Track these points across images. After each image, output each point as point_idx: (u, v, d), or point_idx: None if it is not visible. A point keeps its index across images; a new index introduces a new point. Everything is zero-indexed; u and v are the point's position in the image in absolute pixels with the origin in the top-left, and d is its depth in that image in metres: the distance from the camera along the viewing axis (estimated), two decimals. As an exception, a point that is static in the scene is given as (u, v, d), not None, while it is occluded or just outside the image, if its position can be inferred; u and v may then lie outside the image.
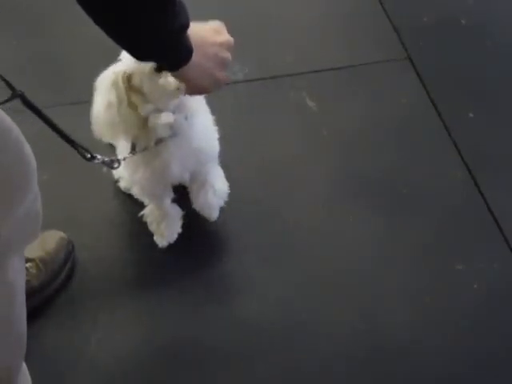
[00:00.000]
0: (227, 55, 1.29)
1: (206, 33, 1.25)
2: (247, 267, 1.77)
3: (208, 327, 1.65)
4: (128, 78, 1.36)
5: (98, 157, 1.41)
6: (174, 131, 1.45)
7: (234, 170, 1.87)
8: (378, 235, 1.85)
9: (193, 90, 1.29)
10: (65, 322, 1.64)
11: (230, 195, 1.82)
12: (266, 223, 1.85)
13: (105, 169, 1.52)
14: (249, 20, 2.42)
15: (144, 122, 1.41)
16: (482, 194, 1.94)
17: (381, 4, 2.50)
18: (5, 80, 1.11)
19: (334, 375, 1.59)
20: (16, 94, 1.12)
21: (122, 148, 1.54)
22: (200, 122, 1.53)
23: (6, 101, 1.11)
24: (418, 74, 2.27)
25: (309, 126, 2.11)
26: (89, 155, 1.39)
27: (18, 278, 1.18)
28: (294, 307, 1.70)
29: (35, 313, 1.61)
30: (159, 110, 1.39)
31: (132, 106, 1.39)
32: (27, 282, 1.58)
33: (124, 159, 1.49)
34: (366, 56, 2.33)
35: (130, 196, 1.84)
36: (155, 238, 1.77)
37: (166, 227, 1.75)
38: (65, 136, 1.31)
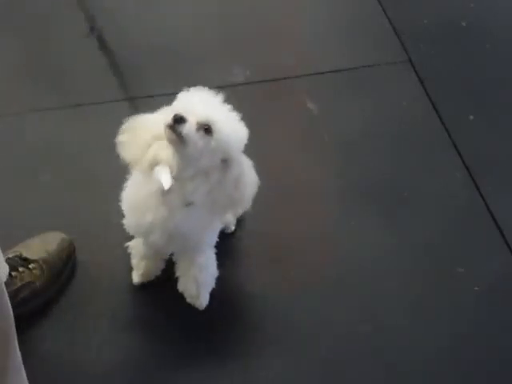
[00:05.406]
0: None
1: None
2: (247, 267, 1.77)
3: (209, 328, 1.65)
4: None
5: None
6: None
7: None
8: (378, 236, 1.85)
9: None
10: (65, 325, 1.63)
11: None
12: (266, 225, 1.85)
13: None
14: (249, 22, 2.42)
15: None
16: (482, 196, 1.94)
17: (381, 6, 2.50)
18: None
19: (333, 376, 1.60)
20: None
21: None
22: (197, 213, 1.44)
23: None
24: (418, 76, 2.27)
25: (309, 128, 2.11)
26: None
27: None
28: (294, 307, 1.70)
29: (36, 315, 1.61)
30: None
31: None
32: (31, 283, 1.59)
33: None
34: (366, 58, 2.33)
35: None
36: (132, 273, 1.69)
37: (145, 266, 1.66)
38: None
